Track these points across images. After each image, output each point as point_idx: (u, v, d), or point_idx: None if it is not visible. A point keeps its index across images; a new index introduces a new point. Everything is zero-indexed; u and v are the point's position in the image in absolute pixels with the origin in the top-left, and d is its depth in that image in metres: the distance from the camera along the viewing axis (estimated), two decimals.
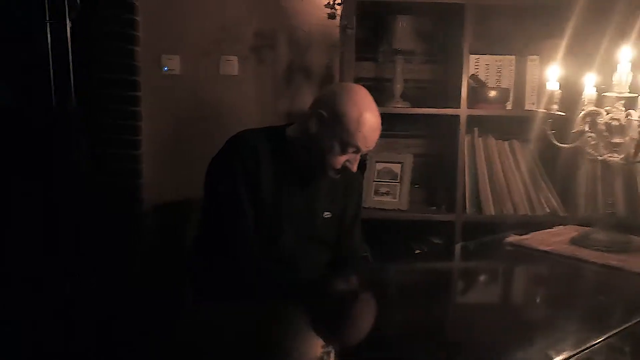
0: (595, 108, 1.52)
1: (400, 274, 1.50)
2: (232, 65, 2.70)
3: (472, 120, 2.41)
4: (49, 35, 2.10)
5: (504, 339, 1.04)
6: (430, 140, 2.66)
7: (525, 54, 2.48)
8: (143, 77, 2.67)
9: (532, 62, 2.47)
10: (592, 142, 1.52)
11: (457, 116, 2.38)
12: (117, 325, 1.77)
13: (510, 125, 2.45)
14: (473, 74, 2.41)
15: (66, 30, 2.12)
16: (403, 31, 2.45)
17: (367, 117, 1.54)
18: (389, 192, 2.50)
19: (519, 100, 2.48)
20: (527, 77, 2.48)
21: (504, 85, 2.48)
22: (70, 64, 2.15)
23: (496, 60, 2.50)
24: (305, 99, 2.65)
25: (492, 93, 2.40)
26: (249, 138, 1.64)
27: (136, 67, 2.64)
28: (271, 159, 1.63)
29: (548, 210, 2.41)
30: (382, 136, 2.66)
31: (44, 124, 2.15)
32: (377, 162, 2.55)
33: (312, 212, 1.73)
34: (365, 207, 2.46)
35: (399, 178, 2.52)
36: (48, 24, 2.08)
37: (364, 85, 2.52)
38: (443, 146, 2.56)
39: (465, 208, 2.43)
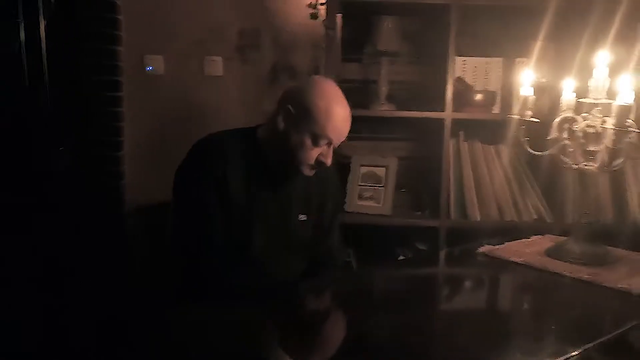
0: (571, 114, 1.46)
1: (362, 282, 1.44)
2: (216, 65, 2.66)
3: (458, 124, 2.36)
4: (22, 35, 2.08)
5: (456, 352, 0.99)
6: (416, 144, 2.60)
7: (512, 56, 2.41)
8: (125, 77, 2.63)
9: (520, 64, 2.40)
10: (569, 150, 1.46)
11: (442, 119, 2.32)
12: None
13: (497, 129, 2.39)
14: (459, 77, 2.35)
15: (39, 29, 2.09)
16: (388, 32, 2.40)
17: (335, 107, 1.50)
18: (373, 196, 2.45)
19: (507, 104, 2.42)
20: (515, 80, 2.40)
21: (491, 88, 2.41)
22: (45, 63, 2.12)
23: (484, 63, 2.44)
24: None
25: (478, 96, 2.34)
26: (215, 141, 1.59)
27: (119, 68, 2.60)
28: (240, 161, 1.58)
29: (535, 217, 2.35)
30: (366, 139, 2.66)
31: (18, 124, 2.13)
32: (362, 165, 2.50)
33: (286, 216, 1.67)
34: (348, 212, 2.42)
35: (383, 182, 2.47)
36: (21, 23, 2.05)
37: (349, 87, 2.50)
38: (428, 150, 2.51)
39: (450, 213, 2.37)
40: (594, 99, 1.42)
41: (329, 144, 1.53)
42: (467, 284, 1.44)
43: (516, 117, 1.50)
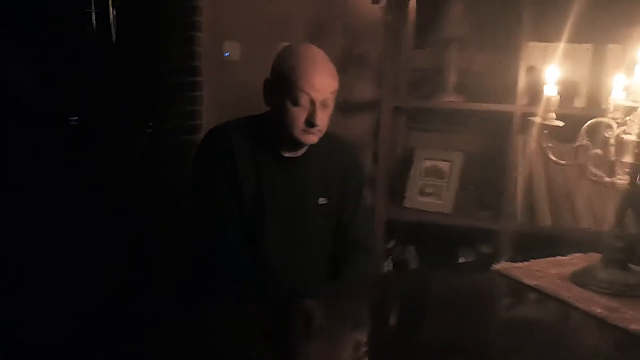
0: (604, 119, 1.25)
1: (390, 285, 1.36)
2: None
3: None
4: (94, 24, 2.21)
5: None
6: (485, 137, 2.40)
7: (604, 43, 2.12)
8: (205, 62, 2.71)
9: (612, 51, 2.11)
10: (601, 160, 1.25)
11: (511, 113, 2.12)
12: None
13: (578, 125, 2.12)
14: (531, 66, 2.12)
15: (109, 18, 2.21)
16: (458, 17, 2.23)
17: (306, 62, 1.47)
18: (434, 192, 2.31)
19: (594, 96, 2.14)
20: (605, 69, 2.12)
21: (574, 78, 2.15)
22: (110, 53, 2.25)
23: (568, 50, 2.16)
24: (360, 86, 2.53)
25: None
26: (223, 129, 1.60)
27: (198, 53, 2.69)
28: (249, 147, 1.57)
29: None
30: (431, 131, 2.51)
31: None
32: (425, 159, 2.37)
33: (303, 200, 1.62)
34: (406, 207, 2.31)
35: (446, 178, 2.32)
36: (93, 12, 2.18)
37: (418, 76, 2.37)
38: (496, 145, 2.30)
39: (516, 216, 2.17)
40: (633, 101, 1.20)
41: (312, 102, 1.46)
42: (454, 305, 1.30)
43: (538, 120, 1.31)
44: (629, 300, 1.21)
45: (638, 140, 1.13)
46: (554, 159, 1.30)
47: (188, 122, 2.73)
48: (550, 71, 1.27)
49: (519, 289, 1.31)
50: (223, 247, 1.53)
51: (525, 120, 2.07)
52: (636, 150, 1.14)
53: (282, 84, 1.48)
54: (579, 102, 2.14)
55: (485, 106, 2.15)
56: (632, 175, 1.17)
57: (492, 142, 2.35)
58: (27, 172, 2.33)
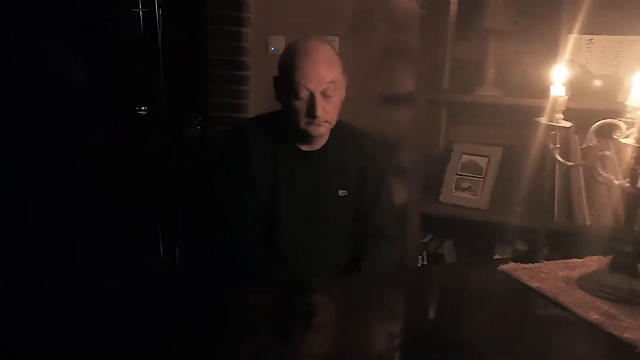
0: (613, 120, 1.21)
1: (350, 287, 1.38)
2: (333, 45, 2.67)
3: (570, 114, 2.06)
4: (141, 22, 2.33)
5: None
6: (525, 132, 2.33)
7: None
8: (251, 57, 2.79)
9: None
10: (609, 162, 1.22)
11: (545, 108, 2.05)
12: None
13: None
14: (571, 59, 2.04)
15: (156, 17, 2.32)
16: (498, 7, 2.17)
17: (301, 54, 1.51)
18: (471, 187, 2.29)
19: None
20: None
21: (620, 72, 2.05)
22: (160, 49, 2.37)
23: (614, 42, 2.07)
24: (401, 79, 2.53)
25: (597, 82, 2.01)
26: (240, 126, 1.67)
27: (244, 48, 2.78)
28: (269, 142, 1.64)
29: None
30: (471, 124, 2.46)
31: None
32: (463, 154, 2.34)
33: (322, 192, 1.66)
34: (442, 202, 2.30)
35: (483, 173, 2.28)
36: (140, 12, 2.30)
37: (457, 67, 2.34)
38: (534, 140, 2.23)
39: (554, 214, 2.11)
40: None
41: (311, 93, 1.51)
42: (447, 304, 1.29)
43: (544, 121, 1.28)
44: (632, 308, 1.18)
45: (636, 144, 1.08)
46: (560, 160, 1.27)
47: (235, 115, 2.83)
48: (557, 71, 1.23)
49: (521, 290, 1.29)
50: (235, 238, 1.60)
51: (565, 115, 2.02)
52: (635, 155, 1.09)
53: (284, 80, 1.54)
54: (622, 97, 2.03)
55: (522, 101, 2.09)
56: (632, 179, 1.13)
57: (531, 137, 2.28)
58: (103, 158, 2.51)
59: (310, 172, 1.65)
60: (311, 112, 1.52)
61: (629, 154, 1.12)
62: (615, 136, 1.20)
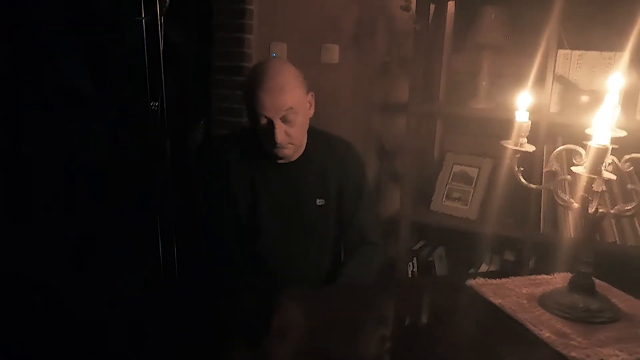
0: (573, 146, 1.26)
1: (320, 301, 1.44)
2: (333, 53, 2.75)
3: (558, 128, 2.10)
4: (144, 32, 2.41)
5: None
6: None
7: None
8: (253, 63, 2.87)
9: None
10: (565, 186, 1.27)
11: (537, 123, 2.09)
12: None
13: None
14: (560, 75, 2.08)
15: (159, 26, 2.39)
16: (491, 23, 2.21)
17: (258, 82, 1.55)
18: (461, 197, 2.34)
19: (629, 108, 2.06)
20: None
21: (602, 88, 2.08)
22: (162, 57, 2.45)
23: (604, 58, 2.10)
24: (402, 90, 2.58)
25: (584, 97, 2.05)
26: (217, 141, 1.74)
27: (247, 54, 2.86)
28: (247, 155, 1.70)
29: None
30: (464, 135, 2.50)
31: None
32: (455, 164, 2.39)
33: (300, 202, 1.71)
34: (432, 211, 2.36)
35: (473, 184, 2.33)
36: (143, 20, 2.38)
37: (454, 80, 2.38)
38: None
39: (540, 226, 2.15)
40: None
41: (270, 120, 1.55)
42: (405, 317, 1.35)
43: (510, 145, 1.33)
44: (587, 327, 1.23)
45: (586, 174, 1.13)
46: (524, 182, 1.32)
47: (236, 120, 2.91)
48: (521, 97, 1.28)
49: (485, 306, 1.34)
50: (215, 246, 1.67)
51: (553, 129, 2.07)
52: (585, 183, 1.14)
53: (247, 106, 1.60)
54: None
55: (513, 114, 2.13)
56: (583, 206, 1.18)
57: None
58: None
59: (287, 182, 1.71)
60: (272, 139, 1.57)
61: (583, 181, 1.17)
62: (575, 161, 1.24)
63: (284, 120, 1.57)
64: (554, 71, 2.09)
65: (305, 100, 1.63)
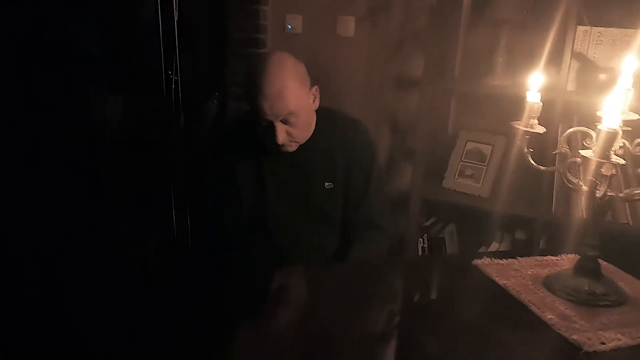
0: (584, 128, 1.24)
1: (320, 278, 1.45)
2: (348, 25, 2.71)
3: (574, 107, 2.07)
4: (159, 2, 2.40)
5: None
6: None
7: None
8: (268, 35, 2.85)
9: None
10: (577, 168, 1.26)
11: (553, 100, 2.06)
12: None
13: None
14: (579, 52, 2.04)
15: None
16: None
17: (257, 87, 1.51)
18: (474, 175, 2.32)
19: None
20: None
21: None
22: (176, 28, 2.44)
23: (625, 35, 2.05)
24: (416, 65, 2.55)
25: (603, 76, 2.01)
26: (222, 131, 1.73)
27: (262, 26, 2.83)
28: (250, 143, 1.68)
29: None
30: (477, 111, 2.47)
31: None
32: (469, 141, 2.37)
33: (308, 185, 1.70)
34: (444, 188, 2.35)
35: (487, 161, 2.31)
36: None
37: (469, 56, 2.35)
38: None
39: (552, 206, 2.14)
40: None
41: (272, 122, 1.54)
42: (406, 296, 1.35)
43: (521, 127, 1.31)
44: (591, 310, 1.22)
45: (595, 158, 1.11)
46: (533, 164, 1.31)
47: None
48: (533, 77, 1.26)
49: (490, 287, 1.35)
50: (222, 230, 1.68)
51: (569, 108, 2.04)
52: (594, 167, 1.13)
53: (247, 103, 1.59)
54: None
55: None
56: (591, 190, 1.17)
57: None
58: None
59: (294, 165, 1.68)
60: (273, 139, 1.55)
61: (592, 165, 1.15)
62: (585, 144, 1.23)
63: (285, 122, 1.55)
64: (572, 48, 2.04)
65: (308, 98, 1.59)
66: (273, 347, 1.08)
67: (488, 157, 2.31)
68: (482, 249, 2.30)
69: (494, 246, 2.29)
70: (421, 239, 2.41)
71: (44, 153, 2.50)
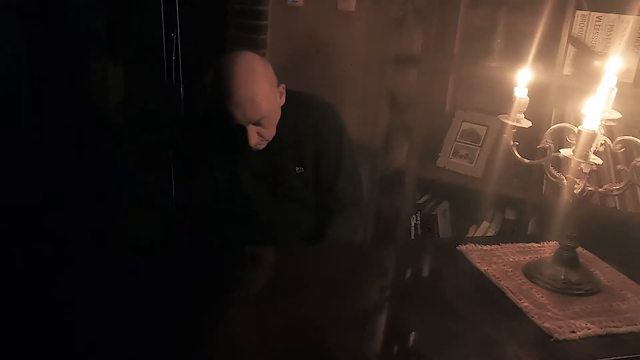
0: (568, 124, 1.28)
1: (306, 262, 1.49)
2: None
3: (569, 92, 2.09)
4: None
5: None
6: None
7: None
8: (270, 6, 2.85)
9: None
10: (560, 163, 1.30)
11: (548, 85, 2.09)
12: None
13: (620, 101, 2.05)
14: (575, 37, 2.05)
15: None
16: None
17: (227, 94, 1.46)
18: (467, 155, 2.36)
19: None
20: None
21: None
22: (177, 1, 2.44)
23: (623, 22, 2.06)
24: (416, 43, 2.55)
25: (599, 62, 2.03)
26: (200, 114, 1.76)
27: None
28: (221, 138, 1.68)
29: None
30: (473, 91, 2.49)
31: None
32: (464, 121, 2.40)
33: (279, 169, 1.70)
34: (438, 167, 2.39)
35: (481, 142, 2.35)
36: None
37: (468, 36, 2.36)
38: (534, 114, 2.27)
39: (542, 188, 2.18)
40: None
41: (242, 126, 1.52)
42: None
43: (509, 120, 1.35)
44: (565, 298, 1.28)
45: (574, 157, 1.15)
46: (519, 157, 1.35)
47: None
48: (521, 74, 1.29)
49: (471, 273, 1.40)
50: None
51: (563, 93, 2.06)
52: (572, 166, 1.17)
53: (213, 104, 1.54)
54: (623, 77, 2.04)
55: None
56: (569, 188, 1.21)
57: (530, 112, 2.31)
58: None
59: (264, 152, 1.66)
60: (245, 142, 1.54)
61: (571, 163, 1.19)
62: (568, 139, 1.27)
63: (257, 123, 1.52)
64: (569, 32, 2.05)
65: (277, 98, 1.57)
66: (257, 327, 1.15)
67: (482, 138, 2.34)
68: (472, 227, 2.36)
69: (485, 225, 2.34)
70: (414, 216, 2.46)
71: (42, 122, 2.54)
